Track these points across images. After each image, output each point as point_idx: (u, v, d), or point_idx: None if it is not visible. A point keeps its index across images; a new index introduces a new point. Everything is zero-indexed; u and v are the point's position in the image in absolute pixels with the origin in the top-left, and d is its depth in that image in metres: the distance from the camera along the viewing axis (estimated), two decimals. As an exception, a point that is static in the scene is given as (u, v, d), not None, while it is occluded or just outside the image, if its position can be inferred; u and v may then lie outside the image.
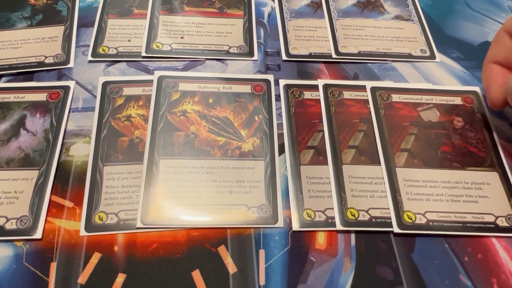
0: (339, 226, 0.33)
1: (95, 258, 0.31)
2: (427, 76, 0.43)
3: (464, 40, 0.46)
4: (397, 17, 0.47)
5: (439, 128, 0.38)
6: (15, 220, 0.32)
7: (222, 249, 0.32)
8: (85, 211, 0.33)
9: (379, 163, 0.36)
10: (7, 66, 0.40)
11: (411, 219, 0.33)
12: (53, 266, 0.31)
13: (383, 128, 0.38)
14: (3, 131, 0.37)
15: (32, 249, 0.31)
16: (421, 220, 0.33)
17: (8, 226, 0.32)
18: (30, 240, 0.32)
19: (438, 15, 0.48)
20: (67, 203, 0.34)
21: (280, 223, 0.33)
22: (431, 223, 0.33)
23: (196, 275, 0.31)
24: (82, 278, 0.30)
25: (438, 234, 0.33)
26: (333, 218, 0.33)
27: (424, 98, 0.40)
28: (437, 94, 0.41)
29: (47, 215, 0.33)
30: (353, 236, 0.33)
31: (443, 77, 0.43)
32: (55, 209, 0.33)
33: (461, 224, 0.33)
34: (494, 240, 0.33)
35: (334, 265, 0.32)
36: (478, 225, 0.33)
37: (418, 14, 0.47)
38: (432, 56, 0.44)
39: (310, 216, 0.34)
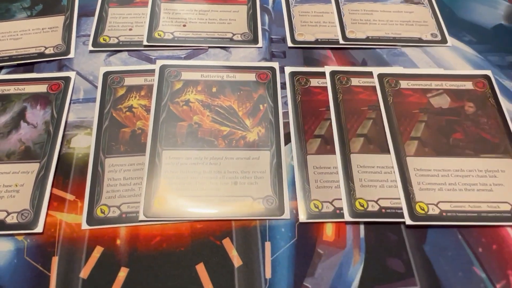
0: (347, 217, 0.32)
1: (97, 252, 0.31)
2: (438, 61, 0.41)
3: (476, 23, 0.44)
4: (406, 1, 0.45)
5: (450, 115, 0.37)
6: (16, 214, 0.32)
7: (227, 242, 0.31)
8: (87, 204, 0.32)
9: (388, 152, 0.35)
10: (7, 58, 0.40)
11: (423, 210, 0.32)
12: (55, 260, 0.30)
13: (392, 116, 0.36)
14: (3, 123, 0.36)
15: (33, 243, 0.31)
16: (434, 211, 0.32)
17: (9, 220, 0.31)
18: (31, 234, 0.31)
19: (450, -2, 0.46)
20: (69, 196, 0.33)
21: (287, 215, 0.32)
22: (444, 214, 0.32)
23: (201, 268, 0.30)
24: (84, 272, 0.30)
25: (452, 225, 0.32)
26: (341, 209, 0.32)
27: (433, 84, 0.39)
28: (447, 79, 0.39)
29: (48, 209, 0.32)
30: (362, 227, 0.32)
31: (455, 61, 0.41)
32: (56, 203, 0.33)
33: (475, 214, 0.32)
34: (509, 230, 0.32)
35: (343, 258, 0.31)
36: (494, 214, 0.32)
37: (428, -3, 0.46)
38: (444, 40, 0.42)
39: (317, 207, 0.32)
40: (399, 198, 0.33)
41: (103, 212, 0.32)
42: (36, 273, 0.30)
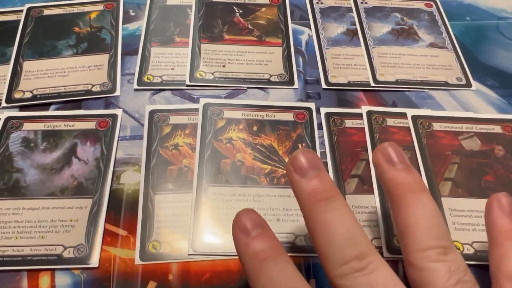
0: (386, 254, 0.33)
1: (151, 286, 0.32)
2: (464, 104, 0.43)
3: (498, 68, 0.47)
4: (431, 45, 0.48)
5: (481, 157, 0.39)
6: (72, 248, 0.33)
7: (274, 279, 0.33)
8: (139, 240, 0.34)
9: (423, 192, 0.36)
10: (56, 94, 0.42)
11: (458, 249, 0.34)
12: (111, 294, 0.32)
13: (426, 157, 0.38)
14: (56, 159, 0.38)
15: (90, 277, 0.32)
16: (468, 251, 0.34)
17: (66, 254, 0.33)
18: (88, 268, 0.32)
19: (472, 43, 0.49)
20: (121, 232, 0.34)
21: (329, 252, 0.34)
22: (478, 253, 0.34)
23: (250, 304, 0.31)
24: (140, 307, 0.31)
25: (486, 265, 0.33)
26: (380, 247, 0.34)
27: (464, 127, 0.41)
28: (477, 122, 0.41)
29: (102, 244, 0.34)
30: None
31: (480, 105, 0.43)
32: (109, 238, 0.34)
33: (509, 254, 0.34)
34: (542, 271, 0.33)
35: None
36: (526, 255, 0.34)
37: (452, 41, 0.48)
38: (468, 84, 0.45)
39: (358, 246, 0.34)
40: (436, 238, 0.34)
41: (155, 248, 0.34)
42: (93, 307, 0.31)
